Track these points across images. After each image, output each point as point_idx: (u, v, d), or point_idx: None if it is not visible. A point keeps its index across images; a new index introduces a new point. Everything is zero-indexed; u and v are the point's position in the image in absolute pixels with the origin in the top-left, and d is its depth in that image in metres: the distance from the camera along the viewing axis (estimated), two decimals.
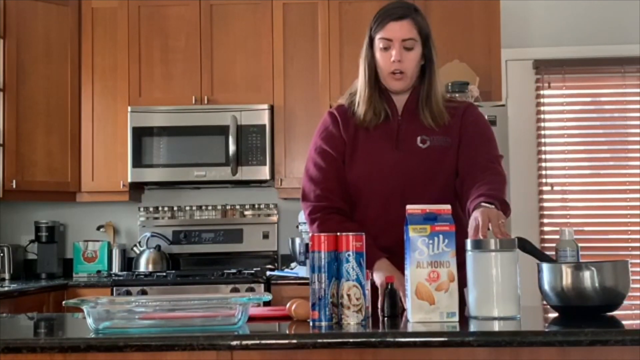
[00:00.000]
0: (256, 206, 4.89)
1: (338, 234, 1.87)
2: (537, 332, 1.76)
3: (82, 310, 1.86)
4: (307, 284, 1.89)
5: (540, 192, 4.89)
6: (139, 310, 1.88)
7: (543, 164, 4.89)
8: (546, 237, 4.86)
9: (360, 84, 2.39)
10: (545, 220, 4.89)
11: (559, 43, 4.91)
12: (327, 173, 2.37)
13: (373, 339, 1.72)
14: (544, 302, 2.00)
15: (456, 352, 1.69)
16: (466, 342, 1.68)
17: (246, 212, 4.89)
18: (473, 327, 1.83)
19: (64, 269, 4.81)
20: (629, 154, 4.92)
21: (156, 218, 4.89)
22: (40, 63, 4.59)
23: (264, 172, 4.54)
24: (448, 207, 1.92)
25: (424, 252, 1.86)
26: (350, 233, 1.86)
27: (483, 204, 2.07)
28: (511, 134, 4.40)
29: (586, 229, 4.88)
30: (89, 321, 1.80)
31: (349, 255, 1.84)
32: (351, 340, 1.72)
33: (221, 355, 1.70)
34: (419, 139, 2.33)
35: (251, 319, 1.92)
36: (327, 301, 1.84)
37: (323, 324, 1.83)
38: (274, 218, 4.87)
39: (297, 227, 4.54)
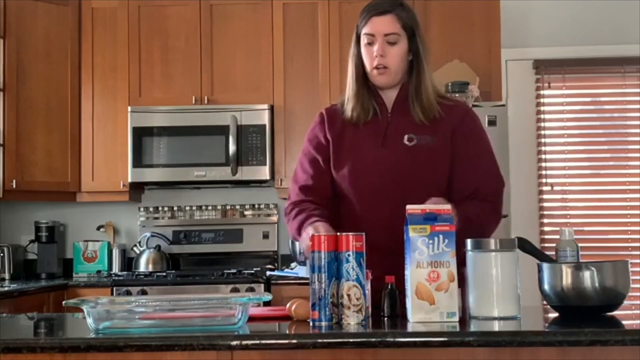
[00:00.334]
0: (256, 206, 4.89)
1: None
2: (537, 332, 1.76)
3: (82, 310, 1.86)
4: (307, 284, 1.89)
5: (540, 192, 4.89)
6: (139, 310, 1.88)
7: (543, 164, 4.89)
8: (546, 237, 4.86)
9: (349, 80, 2.39)
10: (545, 220, 4.89)
11: (559, 43, 4.91)
12: (308, 173, 2.39)
13: (373, 339, 1.72)
14: (544, 302, 2.00)
15: (456, 352, 1.70)
16: (466, 342, 1.69)
17: (246, 212, 4.89)
18: (473, 327, 1.84)
19: (64, 269, 4.81)
20: (629, 154, 4.91)
21: (156, 218, 4.89)
22: (40, 63, 4.59)
23: (264, 172, 4.54)
24: (448, 207, 1.92)
25: (424, 252, 1.86)
26: (350, 234, 1.86)
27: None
28: (511, 134, 4.40)
29: (586, 229, 4.88)
30: (89, 321, 1.80)
31: (349, 255, 1.84)
32: (351, 340, 1.73)
33: (221, 355, 1.70)
34: (406, 137, 2.31)
35: (251, 319, 1.92)
36: (327, 301, 1.84)
37: (323, 324, 1.83)
38: (274, 218, 4.87)
39: None
